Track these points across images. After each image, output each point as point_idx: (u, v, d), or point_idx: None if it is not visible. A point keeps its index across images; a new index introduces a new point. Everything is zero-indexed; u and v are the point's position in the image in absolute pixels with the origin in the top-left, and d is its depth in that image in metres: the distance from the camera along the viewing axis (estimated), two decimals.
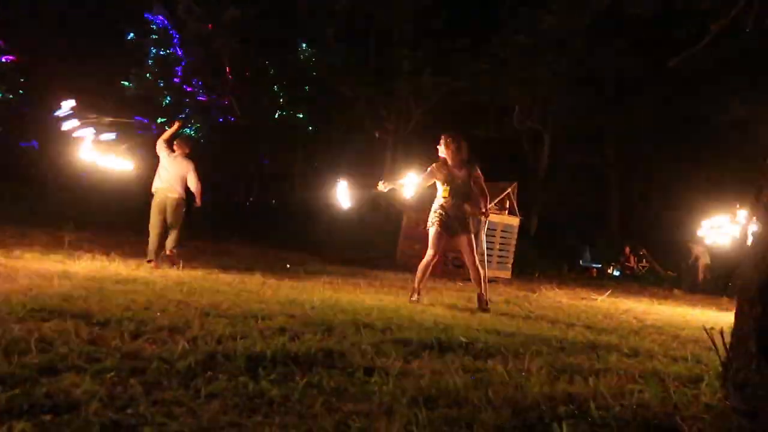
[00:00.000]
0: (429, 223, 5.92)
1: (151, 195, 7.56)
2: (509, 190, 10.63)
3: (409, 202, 6.33)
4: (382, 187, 6.06)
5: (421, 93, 16.19)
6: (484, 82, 15.98)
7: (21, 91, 20.75)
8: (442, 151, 5.90)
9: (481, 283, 5.78)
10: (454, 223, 5.82)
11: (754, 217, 2.47)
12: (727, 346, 2.39)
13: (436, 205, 5.90)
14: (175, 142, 7.77)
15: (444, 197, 5.85)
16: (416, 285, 5.83)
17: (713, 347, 2.46)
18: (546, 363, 3.22)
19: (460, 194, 5.84)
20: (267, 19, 18.23)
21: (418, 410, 2.15)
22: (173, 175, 7.51)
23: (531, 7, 15.28)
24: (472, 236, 5.88)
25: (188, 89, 18.79)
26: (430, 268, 5.86)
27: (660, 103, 16.58)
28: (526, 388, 2.60)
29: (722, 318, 7.09)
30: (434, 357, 3.22)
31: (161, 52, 19.33)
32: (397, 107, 16.36)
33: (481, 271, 5.81)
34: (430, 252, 5.84)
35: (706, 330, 2.63)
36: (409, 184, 6.10)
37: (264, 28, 18.49)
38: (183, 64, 19.01)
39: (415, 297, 5.77)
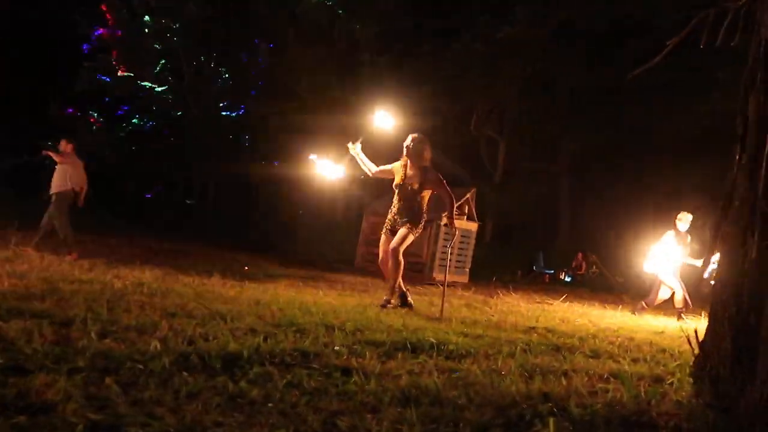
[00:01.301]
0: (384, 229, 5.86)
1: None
2: (468, 195, 10.78)
3: (361, 181, 6.24)
4: (352, 147, 5.86)
5: (383, 97, 16.25)
6: (446, 88, 16.19)
7: None
8: (409, 151, 5.75)
9: (394, 276, 5.64)
10: (398, 223, 5.71)
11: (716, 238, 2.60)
12: (700, 345, 2.50)
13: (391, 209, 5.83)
14: (62, 142, 8.20)
15: (395, 198, 5.78)
16: (396, 286, 5.69)
17: (682, 346, 2.56)
18: (516, 364, 3.29)
19: (409, 198, 5.70)
20: (225, 20, 17.97)
21: (404, 409, 2.15)
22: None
23: (492, 16, 15.59)
24: (407, 231, 5.67)
25: (143, 83, 18.26)
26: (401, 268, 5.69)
27: (613, 115, 17.18)
28: (502, 387, 2.65)
29: (670, 322, 7.40)
30: (408, 358, 3.24)
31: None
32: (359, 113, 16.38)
33: (400, 266, 5.66)
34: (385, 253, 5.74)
35: (684, 331, 2.73)
36: (371, 165, 5.99)
37: (222, 29, 18.21)
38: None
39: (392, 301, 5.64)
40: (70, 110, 19.78)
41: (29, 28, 18.86)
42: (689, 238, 7.97)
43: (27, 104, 19.36)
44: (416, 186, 5.68)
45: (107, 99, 19.45)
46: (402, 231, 5.64)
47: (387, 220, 5.83)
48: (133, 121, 19.72)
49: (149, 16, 17.98)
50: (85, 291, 4.46)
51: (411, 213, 5.68)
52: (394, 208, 5.78)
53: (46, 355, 2.40)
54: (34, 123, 18.59)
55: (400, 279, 5.68)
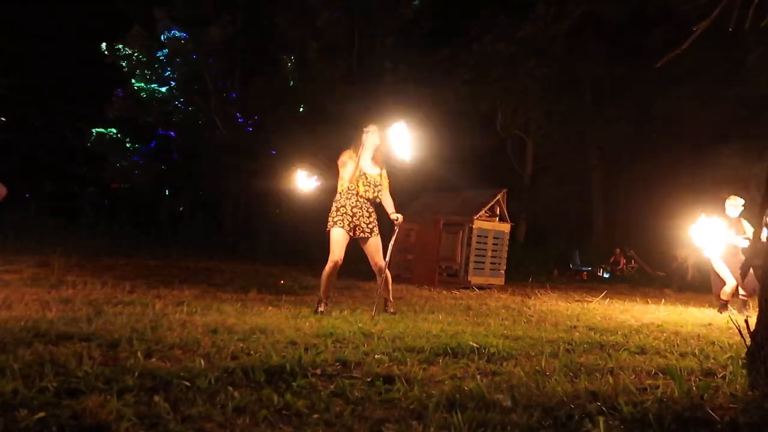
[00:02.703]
0: (330, 223, 5.28)
1: None
2: (499, 196, 10.69)
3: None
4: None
5: (404, 105, 16.31)
6: (467, 92, 16.14)
7: None
8: (365, 139, 5.33)
9: (389, 288, 5.46)
10: (361, 224, 5.29)
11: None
12: (752, 336, 2.42)
13: (340, 203, 5.29)
14: None
15: (348, 192, 5.28)
16: (321, 295, 5.21)
17: (732, 338, 2.48)
18: (560, 364, 3.23)
19: (371, 192, 5.32)
20: (248, 36, 18.30)
21: (450, 414, 2.14)
22: None
23: (509, 16, 15.51)
24: (379, 238, 5.36)
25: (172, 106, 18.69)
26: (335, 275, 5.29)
27: (640, 106, 16.87)
28: (548, 388, 2.61)
29: (717, 314, 7.18)
30: (449, 363, 3.22)
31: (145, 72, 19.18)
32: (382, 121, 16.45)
33: (389, 277, 5.46)
34: (333, 257, 5.20)
35: (733, 322, 2.66)
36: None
37: (245, 46, 18.54)
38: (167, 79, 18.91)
39: (321, 308, 5.11)
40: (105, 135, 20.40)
41: (61, 57, 19.50)
42: (744, 222, 7.51)
43: (62, 131, 20.05)
44: (379, 179, 5.37)
45: (138, 123, 19.95)
46: (374, 240, 5.33)
47: (340, 214, 5.27)
48: (163, 144, 20.19)
49: (172, 41, 18.43)
50: (128, 312, 4.56)
51: (372, 213, 5.39)
52: (352, 202, 5.29)
53: (96, 377, 2.46)
54: (71, 151, 19.20)
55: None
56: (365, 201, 5.32)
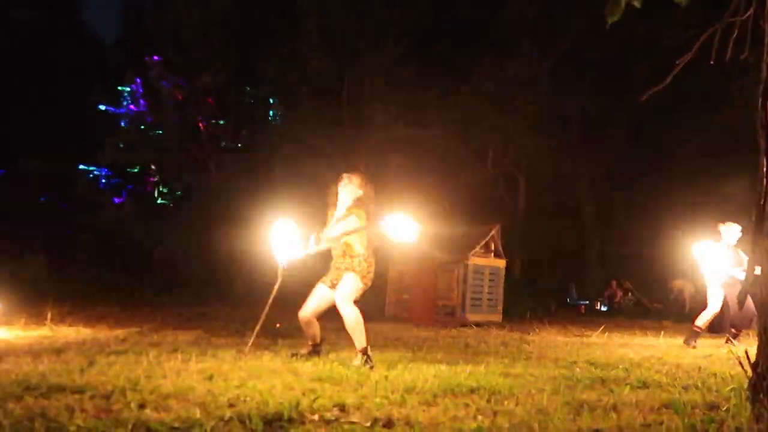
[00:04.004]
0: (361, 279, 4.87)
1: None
2: (493, 232, 10.72)
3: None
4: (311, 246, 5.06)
5: (395, 145, 16.51)
6: (457, 130, 16.36)
7: None
8: (353, 190, 4.99)
9: (357, 334, 4.71)
10: (339, 273, 4.92)
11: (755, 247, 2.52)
12: (753, 367, 2.40)
13: (361, 257, 4.87)
14: None
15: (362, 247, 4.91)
16: (308, 339, 5.11)
17: (734, 369, 2.46)
18: (562, 401, 3.19)
19: (338, 244, 4.98)
20: (239, 83, 18.56)
21: None
22: None
23: (494, 56, 15.85)
24: (354, 278, 4.89)
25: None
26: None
27: (628, 138, 17.14)
28: (550, 427, 2.57)
29: (718, 345, 7.13)
30: (450, 403, 3.16)
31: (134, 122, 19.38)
32: (374, 159, 16.59)
33: (353, 320, 4.77)
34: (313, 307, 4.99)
35: (732, 353, 2.63)
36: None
37: (235, 93, 18.79)
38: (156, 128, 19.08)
39: (303, 350, 5.05)
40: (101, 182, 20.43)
41: (51, 103, 19.65)
42: (740, 252, 7.37)
43: (55, 179, 20.08)
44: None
45: (131, 170, 20.02)
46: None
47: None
48: (158, 189, 20.21)
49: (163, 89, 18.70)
50: (121, 362, 4.48)
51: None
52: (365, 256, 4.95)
53: (89, 431, 2.40)
54: (63, 199, 19.18)
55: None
56: (337, 255, 4.99)
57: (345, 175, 5.07)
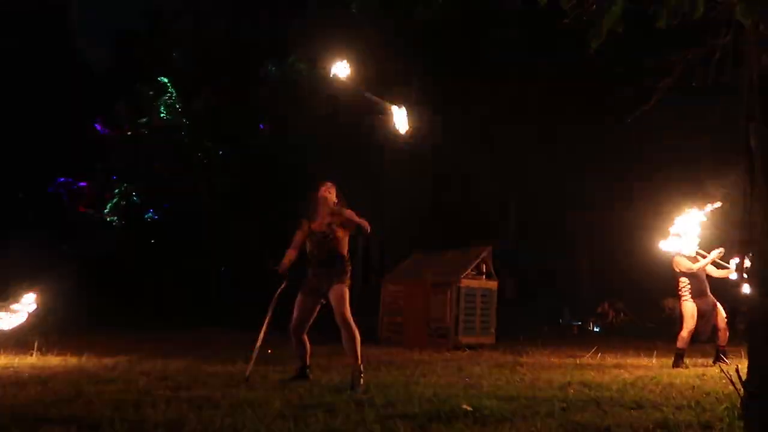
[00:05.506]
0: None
1: None
2: (484, 254, 10.72)
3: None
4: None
5: (388, 165, 16.61)
6: (446, 151, 16.52)
7: None
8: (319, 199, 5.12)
9: (354, 349, 4.72)
10: (322, 285, 4.94)
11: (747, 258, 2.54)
12: (744, 386, 2.41)
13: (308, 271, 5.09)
14: None
15: (309, 257, 5.08)
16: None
17: (727, 387, 2.46)
18: (556, 424, 3.17)
19: (323, 251, 5.00)
20: (230, 108, 18.66)
21: None
22: None
23: (484, 80, 16.05)
24: (345, 288, 4.91)
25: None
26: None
27: (615, 159, 17.30)
28: None
29: (710, 364, 7.12)
30: (443, 428, 3.14)
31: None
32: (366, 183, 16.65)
33: (354, 334, 4.77)
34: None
35: (723, 371, 2.64)
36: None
37: (227, 117, 18.88)
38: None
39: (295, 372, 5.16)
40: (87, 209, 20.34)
41: (42, 132, 19.62)
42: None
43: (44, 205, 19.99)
44: (333, 228, 5.04)
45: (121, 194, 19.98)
46: (337, 289, 4.88)
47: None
48: (149, 215, 20.14)
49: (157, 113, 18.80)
50: (110, 391, 4.42)
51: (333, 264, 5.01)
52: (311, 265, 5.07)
53: None
54: (52, 226, 19.03)
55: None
56: (322, 260, 4.99)
57: (329, 184, 5.21)
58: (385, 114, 5.53)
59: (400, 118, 5.48)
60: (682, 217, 7.32)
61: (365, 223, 4.97)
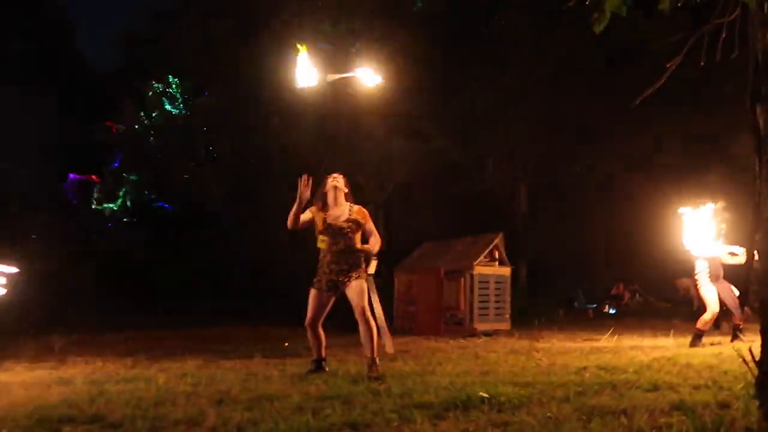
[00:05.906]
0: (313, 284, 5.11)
1: None
2: (497, 240, 10.71)
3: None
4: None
5: (394, 158, 16.57)
6: (455, 141, 16.43)
7: None
8: (328, 189, 5.17)
9: (371, 343, 4.82)
10: (340, 277, 4.97)
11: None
12: (758, 365, 2.40)
13: (320, 261, 5.12)
14: None
15: (323, 247, 5.08)
16: (313, 354, 5.22)
17: (745, 366, 2.46)
18: (572, 408, 3.18)
19: (341, 243, 5.02)
20: (238, 104, 18.70)
21: None
22: None
23: (493, 65, 15.93)
24: (364, 282, 4.99)
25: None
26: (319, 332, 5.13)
27: (625, 141, 17.14)
28: None
29: (727, 343, 7.08)
30: (460, 416, 3.16)
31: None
32: (373, 175, 16.63)
33: (372, 327, 4.89)
34: (307, 318, 5.10)
35: (736, 351, 2.64)
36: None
37: (236, 112, 18.93)
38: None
39: (311, 366, 5.15)
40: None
41: (50, 133, 19.81)
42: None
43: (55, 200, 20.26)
44: (349, 223, 5.07)
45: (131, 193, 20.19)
46: (356, 284, 4.93)
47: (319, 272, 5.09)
48: (159, 205, 20.35)
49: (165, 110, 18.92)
50: (131, 389, 4.49)
51: (350, 259, 5.05)
52: (326, 258, 5.07)
53: None
54: (67, 222, 19.26)
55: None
56: (340, 253, 5.02)
57: (336, 175, 5.28)
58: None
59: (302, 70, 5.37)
60: (696, 214, 7.32)
61: (374, 249, 5.14)
